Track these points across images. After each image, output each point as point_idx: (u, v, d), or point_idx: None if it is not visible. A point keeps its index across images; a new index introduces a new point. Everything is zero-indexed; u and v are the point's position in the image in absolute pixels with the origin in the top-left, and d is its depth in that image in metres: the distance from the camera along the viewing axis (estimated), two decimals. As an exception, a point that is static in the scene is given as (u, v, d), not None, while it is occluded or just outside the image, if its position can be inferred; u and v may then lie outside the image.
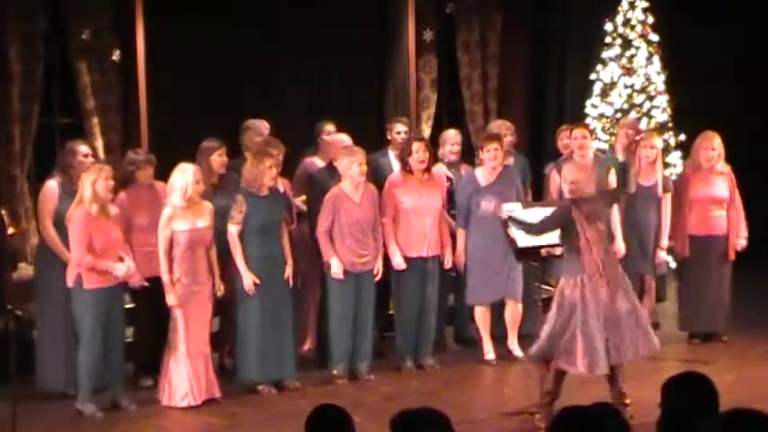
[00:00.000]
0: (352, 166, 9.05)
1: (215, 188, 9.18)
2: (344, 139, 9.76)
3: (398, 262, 9.32)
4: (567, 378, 7.78)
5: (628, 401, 7.63)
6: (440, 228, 9.51)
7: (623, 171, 9.97)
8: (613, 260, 7.82)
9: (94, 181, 8.24)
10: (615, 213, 9.64)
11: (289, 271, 8.89)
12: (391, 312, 9.87)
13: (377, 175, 9.59)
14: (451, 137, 10.24)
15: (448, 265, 9.57)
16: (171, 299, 8.45)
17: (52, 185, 8.79)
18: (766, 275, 11.65)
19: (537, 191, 10.64)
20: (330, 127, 10.03)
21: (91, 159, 8.87)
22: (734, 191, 10.01)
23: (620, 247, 9.61)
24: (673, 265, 11.22)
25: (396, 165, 10.01)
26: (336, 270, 9.02)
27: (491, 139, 9.68)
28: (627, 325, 7.66)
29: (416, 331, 9.46)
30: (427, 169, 9.46)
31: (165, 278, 8.45)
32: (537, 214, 8.26)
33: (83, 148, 8.89)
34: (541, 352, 7.78)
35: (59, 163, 8.92)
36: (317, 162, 9.92)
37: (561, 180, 7.93)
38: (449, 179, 9.82)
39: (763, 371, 9.11)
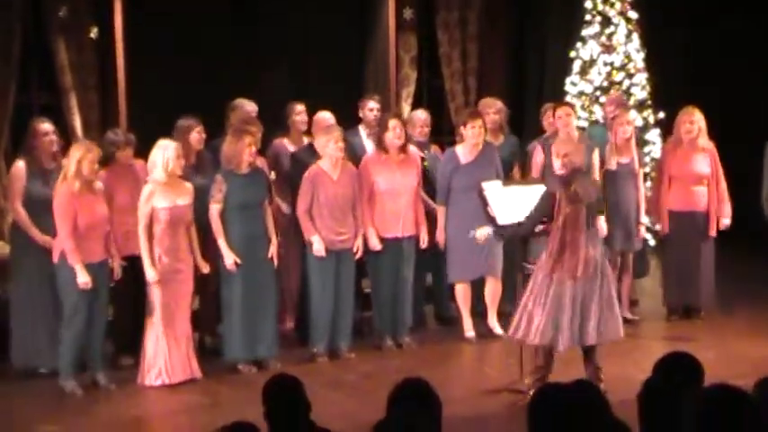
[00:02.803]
0: (329, 143, 9.03)
1: (193, 168, 9.15)
2: (327, 117, 9.75)
3: (375, 243, 9.31)
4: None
5: (602, 377, 7.65)
6: (415, 207, 9.50)
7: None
8: (592, 241, 7.79)
9: (80, 159, 8.21)
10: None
11: (273, 249, 8.87)
12: (367, 291, 9.89)
13: (349, 154, 9.52)
14: (422, 119, 10.19)
15: (424, 244, 9.56)
16: (151, 275, 8.41)
17: (20, 166, 8.77)
18: (745, 252, 11.69)
19: (522, 170, 10.61)
20: (300, 107, 9.98)
21: (54, 137, 8.83)
22: (716, 168, 10.03)
23: (603, 226, 9.64)
24: (652, 242, 11.26)
25: (368, 143, 10.00)
26: (318, 248, 9.01)
27: (474, 116, 9.65)
28: (596, 308, 7.67)
29: (393, 311, 9.46)
30: (403, 148, 9.43)
31: (145, 254, 8.42)
32: (512, 197, 8.29)
33: (44, 127, 8.85)
34: (517, 329, 7.80)
35: (24, 143, 8.90)
36: (287, 144, 9.89)
37: (553, 156, 7.89)
38: (422, 159, 9.79)
39: (743, 347, 9.15)
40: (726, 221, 10.06)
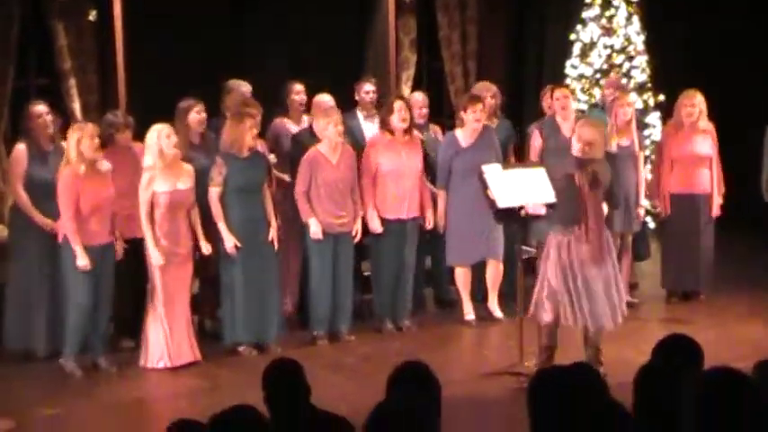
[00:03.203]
0: (328, 126, 9.02)
1: (196, 149, 9.14)
2: (326, 99, 9.73)
3: (376, 226, 9.30)
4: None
5: (602, 359, 7.67)
6: (420, 189, 9.49)
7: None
8: (605, 227, 7.82)
9: (78, 140, 8.21)
10: None
11: (272, 232, 8.87)
12: (367, 274, 9.88)
13: (347, 137, 9.47)
14: (420, 101, 10.19)
15: (429, 225, 9.57)
16: (156, 258, 8.41)
17: (21, 149, 8.77)
18: (745, 234, 11.69)
19: (519, 152, 10.62)
20: (299, 86, 9.96)
21: (49, 117, 8.82)
22: (715, 150, 10.02)
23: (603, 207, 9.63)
24: (652, 225, 11.26)
25: (365, 126, 9.99)
26: (315, 230, 9.01)
27: (475, 100, 9.64)
28: (604, 294, 7.69)
29: (394, 293, 9.46)
30: (408, 130, 9.42)
31: (149, 239, 8.42)
32: (512, 180, 8.27)
33: (38, 109, 8.83)
34: (540, 309, 7.83)
35: (23, 127, 8.89)
36: (288, 123, 9.88)
37: (574, 137, 7.86)
38: (420, 141, 9.77)
39: (743, 330, 9.16)
40: (719, 200, 10.03)
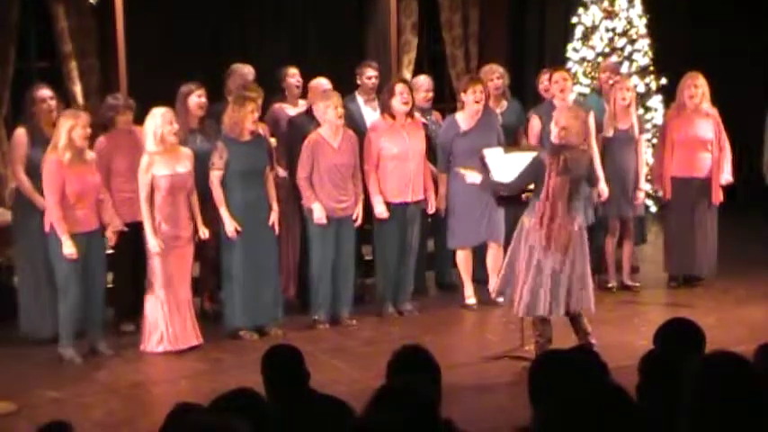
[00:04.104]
0: (327, 110, 8.99)
1: (193, 133, 9.12)
2: (324, 83, 9.71)
3: (381, 210, 9.28)
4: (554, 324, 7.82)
5: (593, 341, 7.64)
6: (424, 172, 9.47)
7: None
8: (572, 214, 7.76)
9: (71, 128, 8.17)
10: (596, 154, 9.60)
11: (274, 217, 8.86)
12: (368, 258, 9.87)
13: (347, 121, 9.46)
14: (424, 84, 10.16)
15: (431, 209, 9.56)
16: (153, 245, 8.41)
17: (21, 133, 8.76)
18: (744, 217, 11.68)
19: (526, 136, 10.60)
20: (293, 70, 9.93)
21: (53, 102, 8.80)
22: (720, 134, 9.98)
23: (604, 188, 9.61)
24: (653, 209, 11.24)
25: (365, 110, 9.96)
26: (319, 215, 8.99)
27: (474, 82, 9.61)
28: (570, 280, 7.66)
29: (396, 277, 9.46)
30: (410, 113, 9.39)
31: (147, 224, 8.41)
32: (513, 163, 8.26)
33: (42, 93, 8.81)
34: (500, 287, 7.85)
35: (24, 111, 8.87)
36: (285, 107, 9.85)
37: (552, 123, 7.85)
38: (424, 125, 9.76)
39: (743, 313, 9.16)
40: (728, 177, 9.96)
